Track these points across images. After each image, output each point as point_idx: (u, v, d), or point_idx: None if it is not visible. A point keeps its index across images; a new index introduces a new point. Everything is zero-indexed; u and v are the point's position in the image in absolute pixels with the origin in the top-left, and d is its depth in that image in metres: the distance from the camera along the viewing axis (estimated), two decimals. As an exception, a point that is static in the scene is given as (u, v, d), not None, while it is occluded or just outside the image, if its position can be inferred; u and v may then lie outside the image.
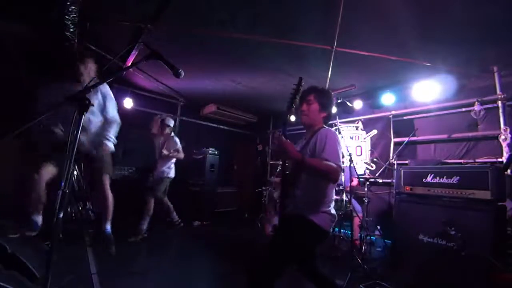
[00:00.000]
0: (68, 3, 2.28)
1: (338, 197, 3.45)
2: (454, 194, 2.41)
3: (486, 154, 3.29)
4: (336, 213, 1.65)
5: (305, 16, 2.46)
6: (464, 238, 2.15)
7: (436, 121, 3.88)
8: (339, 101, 4.30)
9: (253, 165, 6.57)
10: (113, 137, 2.66)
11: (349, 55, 3.00)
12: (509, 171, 2.67)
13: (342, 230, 3.49)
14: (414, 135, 3.90)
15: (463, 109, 3.58)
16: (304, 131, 1.79)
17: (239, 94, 4.83)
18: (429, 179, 2.62)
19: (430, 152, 3.90)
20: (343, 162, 1.55)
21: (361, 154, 4.61)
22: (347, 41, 2.78)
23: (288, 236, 1.52)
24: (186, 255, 3.22)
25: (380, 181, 4.11)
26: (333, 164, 1.43)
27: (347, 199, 3.42)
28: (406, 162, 3.74)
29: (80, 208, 3.88)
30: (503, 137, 3.06)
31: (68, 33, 2.56)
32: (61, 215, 1.12)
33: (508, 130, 3.05)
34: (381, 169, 4.21)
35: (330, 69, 3.32)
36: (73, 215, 3.74)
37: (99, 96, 2.61)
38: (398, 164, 3.78)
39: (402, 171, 2.91)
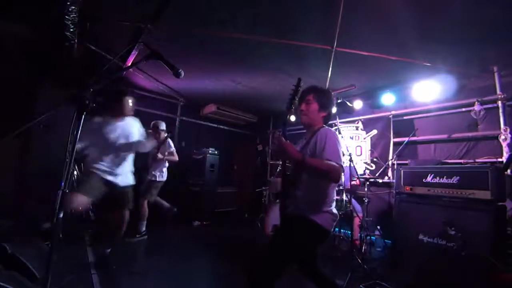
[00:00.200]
0: (68, 3, 2.27)
1: (338, 197, 3.45)
2: (454, 194, 2.41)
3: (486, 154, 3.29)
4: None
5: (305, 16, 2.46)
6: (464, 238, 2.15)
7: (436, 121, 3.88)
8: (339, 101, 4.30)
9: (253, 165, 6.57)
10: None
11: (349, 55, 3.00)
12: (509, 171, 2.67)
13: (342, 230, 3.48)
14: (414, 135, 3.90)
15: (463, 109, 3.58)
16: (304, 131, 1.79)
17: (239, 94, 4.83)
18: (429, 179, 2.62)
19: (430, 152, 3.90)
20: (343, 162, 1.55)
21: (361, 154, 4.61)
22: (347, 41, 2.78)
23: (289, 236, 1.52)
24: (186, 255, 3.21)
25: (380, 181, 4.11)
26: (334, 164, 1.42)
27: (347, 199, 3.42)
28: (406, 162, 3.74)
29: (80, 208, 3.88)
30: (503, 137, 3.06)
31: (68, 33, 2.56)
32: (61, 215, 1.12)
33: (508, 130, 3.05)
34: (381, 169, 4.21)
35: (330, 69, 3.32)
36: (73, 215, 3.74)
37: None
38: (398, 164, 3.78)
39: (402, 171, 2.91)
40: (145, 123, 4.79)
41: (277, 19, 2.56)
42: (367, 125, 4.62)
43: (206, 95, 5.11)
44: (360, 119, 4.69)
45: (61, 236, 2.73)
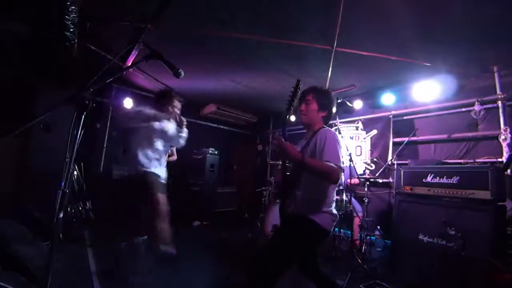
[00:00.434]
0: (68, 3, 2.28)
1: (338, 197, 3.45)
2: (454, 194, 2.40)
3: (486, 154, 3.29)
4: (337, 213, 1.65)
5: (305, 16, 2.46)
6: (464, 238, 2.14)
7: (436, 121, 3.88)
8: (339, 101, 4.29)
9: (253, 165, 6.57)
10: None
11: (349, 55, 3.00)
12: (509, 171, 2.68)
13: (342, 230, 3.48)
14: (414, 135, 3.90)
15: (463, 109, 3.58)
16: (305, 131, 1.79)
17: (239, 94, 4.83)
18: (429, 179, 2.62)
19: (430, 152, 3.90)
20: (343, 162, 1.55)
21: (361, 154, 4.61)
22: (347, 41, 2.78)
23: (289, 236, 1.52)
24: (186, 255, 3.21)
25: (380, 181, 4.11)
26: (333, 165, 1.42)
27: (347, 199, 3.42)
28: (406, 162, 3.74)
29: (80, 208, 3.89)
30: (503, 137, 3.06)
31: (68, 33, 2.56)
32: (61, 215, 1.12)
33: (508, 130, 3.05)
34: (381, 169, 4.21)
35: (330, 69, 3.32)
36: (73, 215, 3.75)
37: None
38: (398, 164, 3.78)
39: (402, 171, 2.91)
40: (145, 123, 4.82)
41: (277, 19, 2.56)
42: (367, 125, 4.62)
43: (206, 95, 5.11)
44: (360, 119, 4.69)
45: (61, 236, 2.74)
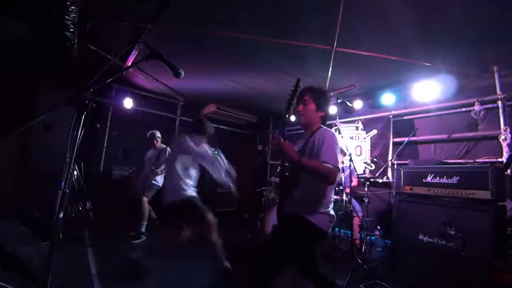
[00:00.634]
0: (68, 3, 2.28)
1: (338, 197, 3.45)
2: (454, 194, 2.40)
3: (486, 154, 3.29)
4: (336, 213, 1.65)
5: (305, 16, 2.46)
6: (464, 238, 2.14)
7: (436, 121, 3.88)
8: (339, 101, 4.30)
9: (253, 165, 6.57)
10: None
11: (349, 55, 3.00)
12: (509, 171, 2.68)
13: (342, 230, 3.48)
14: (414, 135, 3.90)
15: (463, 109, 3.58)
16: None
17: (239, 94, 4.83)
18: (429, 179, 2.62)
19: (430, 152, 3.90)
20: (342, 162, 1.55)
21: (361, 154, 4.61)
22: (347, 41, 2.78)
23: (286, 236, 1.52)
24: (185, 255, 3.21)
25: (380, 181, 4.11)
26: (330, 166, 1.42)
27: (347, 199, 3.42)
28: (406, 162, 3.74)
29: (80, 208, 3.89)
30: (503, 137, 3.06)
31: (68, 33, 2.56)
32: (61, 215, 1.12)
33: (508, 130, 3.05)
34: (381, 169, 4.21)
35: (330, 69, 3.32)
36: (73, 215, 3.75)
37: None
38: (398, 164, 3.78)
39: (402, 171, 2.90)
40: (145, 123, 4.84)
41: (277, 19, 2.56)
42: (367, 125, 4.62)
43: (206, 95, 5.11)
44: (360, 119, 4.69)
45: (61, 236, 2.74)
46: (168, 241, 2.76)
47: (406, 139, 3.79)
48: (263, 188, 5.16)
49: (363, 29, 2.59)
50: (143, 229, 3.61)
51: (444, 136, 3.71)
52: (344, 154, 3.40)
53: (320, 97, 1.70)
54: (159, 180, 3.97)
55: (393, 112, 4.24)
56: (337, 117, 3.96)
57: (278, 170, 4.85)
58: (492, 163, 3.04)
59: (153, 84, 4.65)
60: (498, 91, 3.21)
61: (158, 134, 4.18)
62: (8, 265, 1.66)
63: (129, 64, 3.47)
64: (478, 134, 3.43)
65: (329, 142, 1.49)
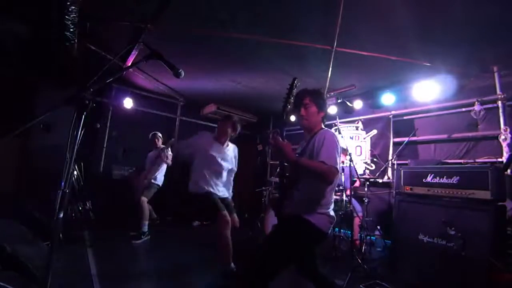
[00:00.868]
0: (68, 3, 2.28)
1: (338, 197, 3.45)
2: (454, 194, 2.40)
3: (486, 154, 3.29)
4: (336, 213, 1.65)
5: (305, 16, 2.46)
6: (464, 238, 2.14)
7: (436, 121, 3.88)
8: (339, 101, 4.30)
9: (253, 165, 6.56)
10: None
11: (349, 55, 3.00)
12: (509, 171, 2.67)
13: (342, 230, 3.48)
14: (414, 135, 3.90)
15: (463, 109, 3.58)
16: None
17: (239, 94, 4.83)
18: (429, 179, 2.62)
19: (430, 152, 3.90)
20: (343, 162, 1.55)
21: (361, 154, 4.61)
22: (347, 41, 2.78)
23: (285, 236, 1.52)
24: (186, 255, 3.21)
25: (380, 181, 4.11)
26: (329, 166, 1.43)
27: (347, 199, 3.42)
28: (406, 162, 3.74)
29: (80, 208, 3.89)
30: (503, 137, 3.06)
31: (68, 33, 2.56)
32: (61, 215, 1.11)
33: (508, 130, 3.05)
34: (381, 169, 4.21)
35: (330, 69, 3.32)
36: (73, 215, 3.75)
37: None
38: (398, 164, 3.78)
39: (402, 171, 2.90)
40: (145, 123, 4.84)
41: (277, 19, 2.56)
42: (367, 125, 4.62)
43: (206, 95, 5.11)
44: (360, 119, 4.69)
45: (61, 236, 2.73)
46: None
47: (406, 139, 3.79)
48: (263, 188, 5.16)
49: (363, 29, 2.59)
50: (146, 229, 3.61)
51: (444, 136, 3.71)
52: (346, 153, 3.40)
53: (319, 97, 1.71)
54: (159, 179, 3.97)
55: (393, 112, 4.24)
56: (337, 117, 3.96)
57: (278, 170, 4.85)
58: (492, 163, 3.04)
59: (153, 84, 4.65)
60: (498, 91, 3.21)
61: (159, 134, 4.23)
62: (8, 265, 1.66)
63: (129, 64, 3.47)
64: (478, 134, 3.43)
65: (329, 143, 1.50)
